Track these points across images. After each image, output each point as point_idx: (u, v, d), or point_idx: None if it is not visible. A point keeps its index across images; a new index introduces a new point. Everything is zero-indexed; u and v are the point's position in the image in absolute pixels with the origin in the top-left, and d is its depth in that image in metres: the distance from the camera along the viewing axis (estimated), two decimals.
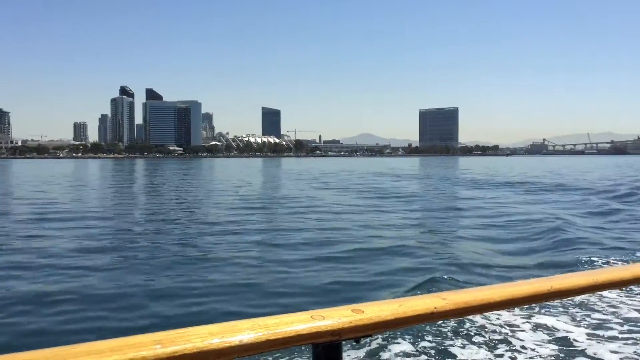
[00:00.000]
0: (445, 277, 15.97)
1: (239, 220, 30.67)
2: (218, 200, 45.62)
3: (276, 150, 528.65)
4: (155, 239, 24.18)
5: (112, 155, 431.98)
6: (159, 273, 17.19)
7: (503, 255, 20.17)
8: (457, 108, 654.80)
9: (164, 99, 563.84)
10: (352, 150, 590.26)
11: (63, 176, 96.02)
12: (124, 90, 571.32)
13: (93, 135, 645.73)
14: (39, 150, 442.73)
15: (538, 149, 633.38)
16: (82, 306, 13.52)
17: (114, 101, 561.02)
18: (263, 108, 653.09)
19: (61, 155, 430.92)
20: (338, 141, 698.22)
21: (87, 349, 1.40)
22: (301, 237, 24.51)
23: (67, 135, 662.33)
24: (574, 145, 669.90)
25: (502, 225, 28.59)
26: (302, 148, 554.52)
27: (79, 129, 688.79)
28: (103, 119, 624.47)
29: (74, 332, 11.63)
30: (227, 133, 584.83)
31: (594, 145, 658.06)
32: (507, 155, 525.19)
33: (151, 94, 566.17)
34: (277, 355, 9.40)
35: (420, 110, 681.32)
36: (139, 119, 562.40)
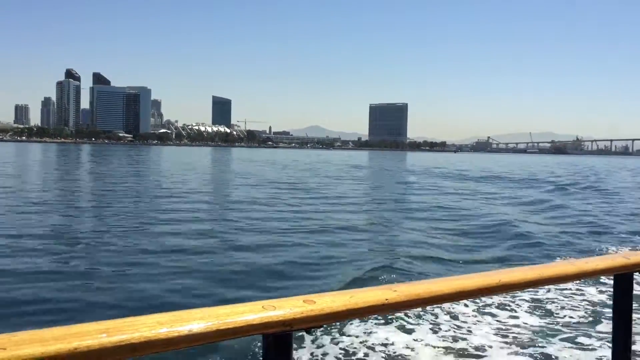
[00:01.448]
0: (397, 268, 15.90)
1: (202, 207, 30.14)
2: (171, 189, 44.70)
3: (228, 140, 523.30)
4: (102, 223, 23.48)
5: (59, 140, 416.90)
6: (103, 260, 16.62)
7: (454, 247, 20.29)
8: (407, 104, 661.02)
9: (112, 84, 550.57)
10: (303, 142, 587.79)
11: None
12: (69, 74, 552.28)
13: (35, 119, 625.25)
14: None
15: (483, 147, 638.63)
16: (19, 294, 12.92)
17: (59, 84, 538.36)
18: (213, 97, 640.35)
19: (5, 138, 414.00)
20: (288, 133, 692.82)
21: (30, 337, 1.34)
22: (260, 224, 24.23)
23: (7, 118, 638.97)
24: (517, 144, 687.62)
25: (454, 219, 28.65)
26: (254, 139, 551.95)
27: (21, 111, 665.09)
28: (46, 102, 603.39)
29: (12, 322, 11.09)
30: (176, 121, 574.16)
31: (535, 144, 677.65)
32: (455, 152, 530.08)
33: (98, 79, 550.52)
34: (227, 345, 9.19)
35: (370, 104, 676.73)
36: (85, 104, 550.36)
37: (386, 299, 1.95)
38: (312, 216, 28.23)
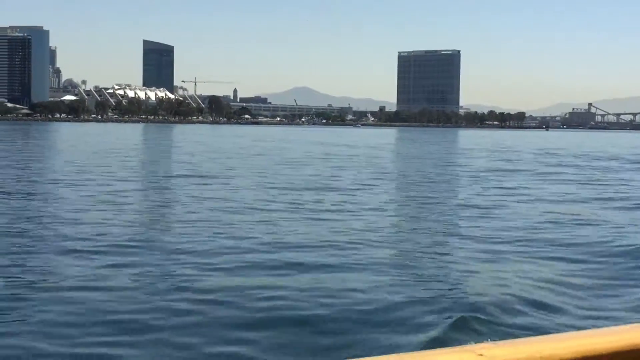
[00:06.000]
0: (483, 317, 12.05)
1: None
2: None
3: (179, 112, 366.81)
4: None
5: None
6: None
7: (571, 285, 15.20)
8: (459, 51, 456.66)
9: None
10: (294, 115, 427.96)
11: None
12: None
13: None
14: None
15: (582, 119, 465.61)
16: None
17: None
18: (146, 42, 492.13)
19: None
20: (265, 99, 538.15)
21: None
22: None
23: None
24: (635, 114, 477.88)
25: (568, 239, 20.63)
26: (220, 109, 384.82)
27: None
28: None
29: None
30: (84, 82, 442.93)
31: None
32: (546, 129, 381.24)
33: None
34: None
35: (400, 52, 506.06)
36: None
37: None
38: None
